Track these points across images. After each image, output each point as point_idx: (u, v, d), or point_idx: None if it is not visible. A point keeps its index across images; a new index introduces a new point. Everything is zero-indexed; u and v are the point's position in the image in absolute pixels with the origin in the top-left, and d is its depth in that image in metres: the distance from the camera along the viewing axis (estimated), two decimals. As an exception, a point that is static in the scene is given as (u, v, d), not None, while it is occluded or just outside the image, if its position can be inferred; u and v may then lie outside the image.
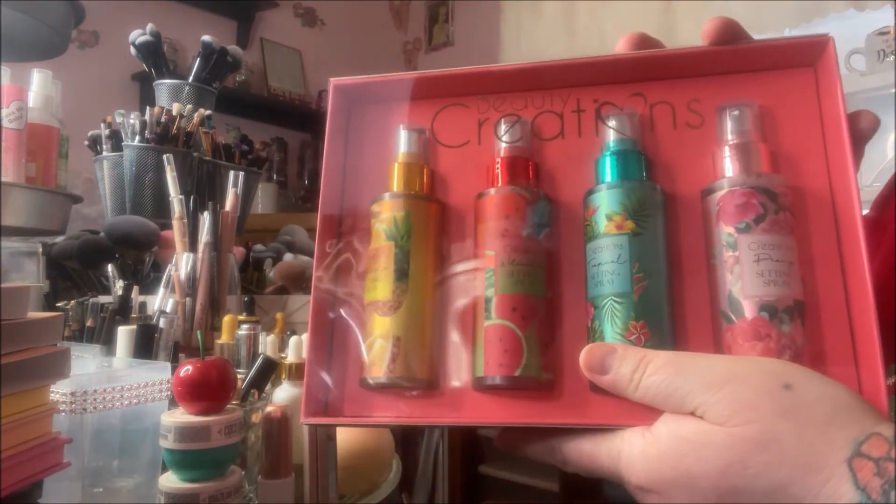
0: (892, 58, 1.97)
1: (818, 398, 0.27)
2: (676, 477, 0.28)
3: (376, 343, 0.35)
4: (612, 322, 0.33)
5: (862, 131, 0.34)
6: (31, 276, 0.97)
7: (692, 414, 0.29)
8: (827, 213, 0.34)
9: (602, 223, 0.34)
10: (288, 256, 1.19)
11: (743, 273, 0.32)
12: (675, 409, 0.29)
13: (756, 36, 0.35)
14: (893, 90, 1.93)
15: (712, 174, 0.35)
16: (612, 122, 0.37)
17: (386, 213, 0.37)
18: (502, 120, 0.39)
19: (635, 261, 0.33)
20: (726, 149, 0.35)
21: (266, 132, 3.19)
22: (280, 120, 3.25)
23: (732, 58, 0.36)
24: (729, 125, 0.35)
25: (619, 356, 0.31)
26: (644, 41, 0.37)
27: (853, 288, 0.32)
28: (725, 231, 0.33)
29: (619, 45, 0.37)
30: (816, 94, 0.36)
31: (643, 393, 0.30)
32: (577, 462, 0.33)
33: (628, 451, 0.30)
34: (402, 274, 0.36)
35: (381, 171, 0.39)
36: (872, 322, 0.30)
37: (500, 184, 0.37)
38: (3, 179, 0.83)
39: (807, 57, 0.36)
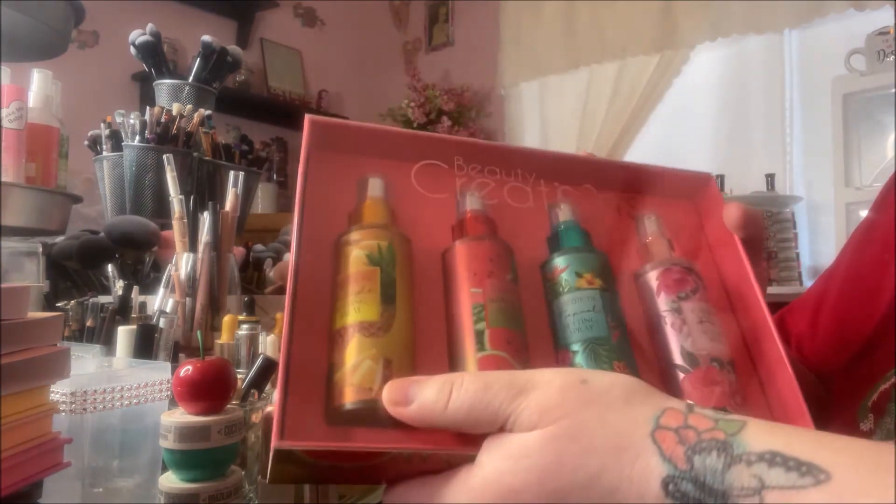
0: (892, 58, 1.97)
1: (611, 385, 0.28)
2: (498, 500, 0.28)
3: (363, 364, 0.31)
4: (597, 362, 0.34)
5: (747, 239, 0.41)
6: (31, 276, 0.97)
7: (504, 429, 0.29)
8: (720, 289, 0.42)
9: (573, 279, 0.37)
10: (288, 256, 1.19)
11: (691, 332, 0.37)
12: (488, 427, 0.29)
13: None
14: (893, 90, 1.93)
15: (637, 261, 0.41)
16: (564, 205, 0.41)
17: (368, 241, 0.36)
18: (475, 187, 0.41)
19: (608, 312, 0.36)
20: (650, 241, 0.42)
21: (266, 132, 3.19)
22: (280, 120, 3.26)
23: (636, 176, 0.45)
24: (647, 226, 0.43)
25: (422, 384, 0.30)
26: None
27: (765, 348, 0.38)
28: (669, 299, 0.38)
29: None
30: (699, 215, 0.45)
31: (454, 413, 0.29)
32: None
33: (456, 491, 0.29)
34: (389, 299, 0.34)
35: (345, 209, 0.38)
36: (789, 374, 0.36)
37: (481, 233, 0.38)
38: (3, 179, 0.83)
39: (689, 190, 0.46)
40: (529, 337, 0.36)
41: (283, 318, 0.32)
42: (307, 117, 0.39)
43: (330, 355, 0.32)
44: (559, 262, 0.38)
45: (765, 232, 0.47)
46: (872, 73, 2.01)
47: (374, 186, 0.39)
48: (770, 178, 2.32)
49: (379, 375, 0.31)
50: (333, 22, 3.57)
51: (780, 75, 2.55)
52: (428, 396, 0.29)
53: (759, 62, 2.60)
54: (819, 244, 2.41)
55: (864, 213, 1.99)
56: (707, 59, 2.70)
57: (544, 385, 0.29)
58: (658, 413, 0.27)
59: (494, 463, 0.28)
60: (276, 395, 0.30)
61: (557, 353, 0.36)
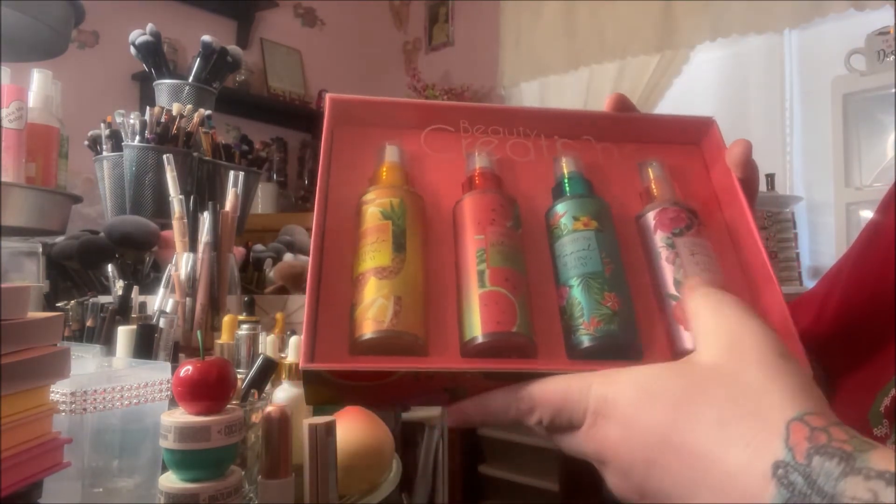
0: (892, 58, 1.97)
1: (795, 376, 0.29)
2: (637, 397, 0.30)
3: (377, 302, 0.36)
4: (589, 293, 0.38)
5: (744, 180, 0.42)
6: (31, 276, 0.98)
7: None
8: (723, 229, 0.44)
9: (571, 223, 0.41)
10: (288, 256, 1.19)
11: (683, 263, 0.39)
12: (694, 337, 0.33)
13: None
14: (893, 90, 1.93)
15: (639, 203, 0.44)
16: (567, 157, 0.45)
17: (381, 199, 0.41)
18: (479, 146, 0.46)
19: (602, 249, 0.39)
20: (651, 185, 0.44)
21: (266, 132, 3.19)
22: (280, 120, 3.25)
23: (638, 126, 0.47)
24: (650, 172, 0.45)
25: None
26: (624, 103, 0.46)
27: (757, 278, 0.41)
28: (664, 236, 0.41)
29: (605, 104, 0.46)
30: (703, 160, 0.48)
31: (691, 303, 0.34)
32: (545, 401, 0.33)
33: (601, 381, 0.32)
34: (399, 247, 0.39)
35: (367, 174, 0.44)
36: (780, 302, 0.38)
37: (485, 188, 0.42)
38: (3, 179, 0.83)
39: (694, 135, 0.48)
40: (535, 277, 0.40)
41: (309, 267, 0.38)
42: (328, 96, 0.45)
43: (352, 297, 0.38)
44: (559, 208, 0.42)
45: (758, 178, 0.51)
46: (872, 73, 2.01)
47: (390, 152, 0.44)
48: (770, 178, 2.32)
49: (390, 310, 0.36)
50: (333, 22, 3.57)
51: (780, 75, 2.54)
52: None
53: (759, 62, 2.59)
54: (819, 244, 2.41)
55: (864, 213, 1.97)
56: (707, 59, 2.70)
57: (751, 335, 0.31)
58: (808, 410, 0.27)
59: (657, 366, 0.31)
60: (303, 327, 0.36)
61: (559, 290, 0.40)
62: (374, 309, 0.36)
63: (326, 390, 0.36)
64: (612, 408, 0.31)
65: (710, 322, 0.32)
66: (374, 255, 0.38)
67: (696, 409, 0.29)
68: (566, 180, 0.43)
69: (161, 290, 0.78)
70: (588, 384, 0.32)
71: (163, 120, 1.05)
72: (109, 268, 0.90)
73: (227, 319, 0.75)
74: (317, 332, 0.36)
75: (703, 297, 0.33)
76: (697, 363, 0.30)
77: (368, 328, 0.36)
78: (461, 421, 0.37)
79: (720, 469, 0.27)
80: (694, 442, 0.28)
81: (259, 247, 1.24)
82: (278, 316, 0.81)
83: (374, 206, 0.40)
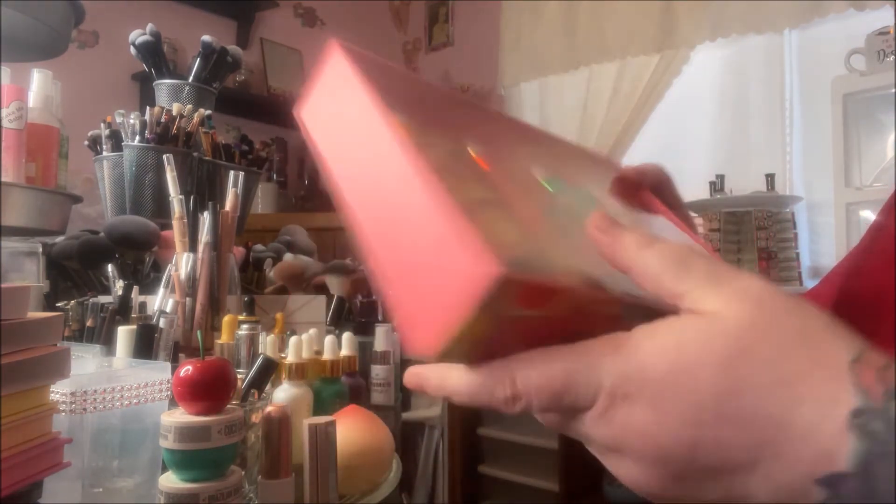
0: (892, 58, 1.97)
1: (818, 313, 0.26)
2: (670, 371, 0.25)
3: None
4: None
5: (647, 179, 0.40)
6: (31, 276, 0.97)
7: (681, 305, 0.27)
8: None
9: None
10: (288, 256, 1.19)
11: None
12: (669, 287, 0.27)
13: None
14: (893, 90, 1.93)
15: None
16: None
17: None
18: None
19: None
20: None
21: (266, 132, 3.19)
22: (280, 120, 3.25)
23: None
24: None
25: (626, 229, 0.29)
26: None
27: None
28: None
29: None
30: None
31: (646, 259, 0.28)
32: (540, 388, 0.27)
33: (614, 357, 0.26)
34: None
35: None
36: None
37: None
38: (3, 179, 0.83)
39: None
40: None
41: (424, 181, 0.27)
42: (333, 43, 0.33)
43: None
44: None
45: (667, 176, 0.47)
46: (872, 73, 2.01)
47: None
48: (770, 178, 2.32)
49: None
50: (333, 22, 3.57)
51: (780, 75, 2.54)
52: (629, 235, 0.29)
53: (759, 62, 2.59)
54: (819, 244, 2.41)
55: (864, 213, 1.95)
56: (707, 59, 2.70)
57: (747, 280, 0.26)
58: (863, 348, 0.24)
59: (677, 329, 0.26)
60: (454, 231, 0.25)
61: None
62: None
63: (483, 328, 0.25)
64: (637, 387, 0.26)
65: (695, 275, 0.27)
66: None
67: (745, 371, 0.25)
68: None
69: (161, 290, 0.78)
70: (597, 362, 0.27)
71: (163, 120, 1.05)
72: (109, 268, 0.90)
73: (227, 319, 0.75)
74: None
75: (658, 251, 0.28)
76: (728, 319, 0.25)
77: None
78: (416, 385, 0.30)
79: (789, 432, 0.24)
80: (752, 408, 0.24)
81: (259, 247, 1.24)
82: (278, 316, 0.81)
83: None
